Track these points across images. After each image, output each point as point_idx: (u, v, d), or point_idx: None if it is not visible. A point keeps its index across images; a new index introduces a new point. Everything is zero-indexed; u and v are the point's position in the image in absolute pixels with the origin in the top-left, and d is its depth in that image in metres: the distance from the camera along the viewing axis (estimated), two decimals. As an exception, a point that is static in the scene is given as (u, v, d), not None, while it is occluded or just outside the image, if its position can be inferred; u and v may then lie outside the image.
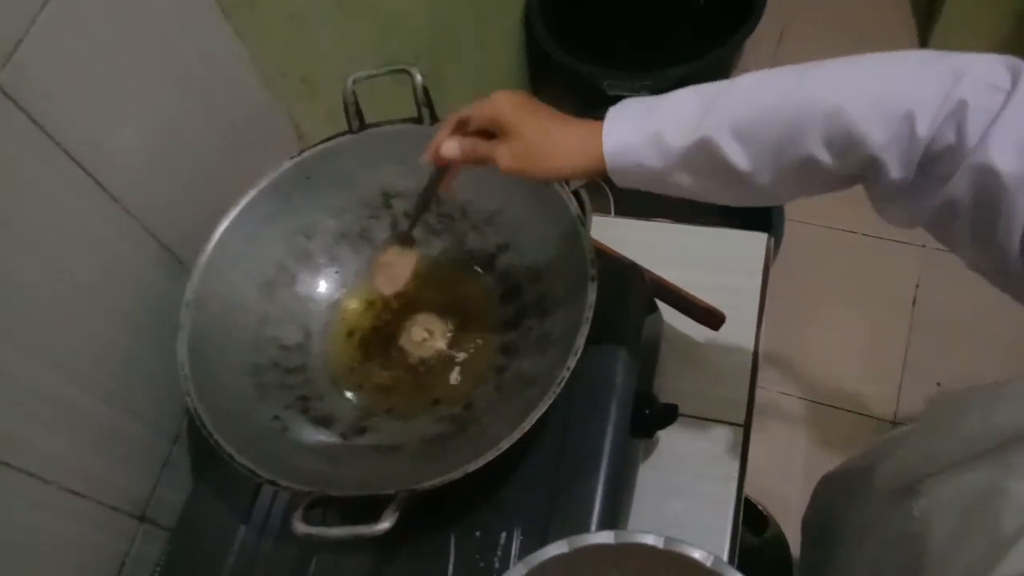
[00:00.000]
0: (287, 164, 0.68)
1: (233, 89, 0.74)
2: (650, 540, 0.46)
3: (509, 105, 0.52)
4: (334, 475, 0.56)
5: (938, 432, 0.52)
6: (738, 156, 0.47)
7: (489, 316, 0.67)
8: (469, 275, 0.69)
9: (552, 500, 0.58)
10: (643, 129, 0.50)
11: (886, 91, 0.44)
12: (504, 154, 0.52)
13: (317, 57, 0.89)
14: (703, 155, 0.48)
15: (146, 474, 0.68)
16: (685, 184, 0.50)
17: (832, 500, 0.75)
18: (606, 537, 0.46)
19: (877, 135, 0.44)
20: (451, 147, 0.54)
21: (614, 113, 0.51)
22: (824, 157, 0.46)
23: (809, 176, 0.48)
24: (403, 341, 0.67)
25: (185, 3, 0.66)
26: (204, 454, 0.70)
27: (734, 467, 0.70)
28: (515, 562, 0.50)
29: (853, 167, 0.46)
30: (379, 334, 0.68)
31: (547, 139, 0.51)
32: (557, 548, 0.46)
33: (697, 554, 0.45)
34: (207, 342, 0.62)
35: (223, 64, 0.72)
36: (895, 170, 0.44)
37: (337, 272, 0.71)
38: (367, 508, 0.50)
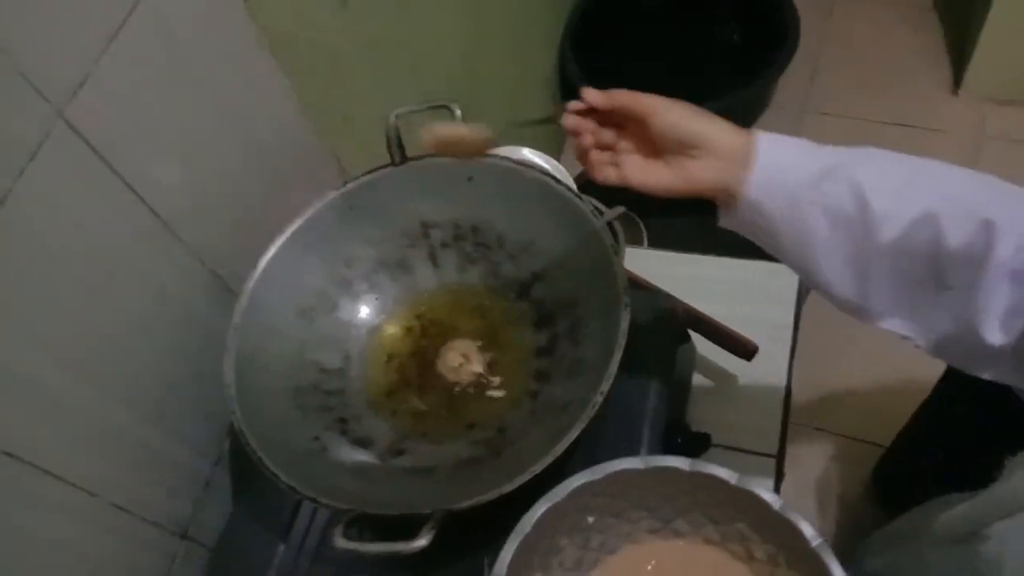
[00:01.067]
0: (331, 195, 0.70)
1: (277, 123, 0.77)
2: (723, 474, 0.51)
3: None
4: (371, 494, 0.58)
5: (1008, 480, 0.52)
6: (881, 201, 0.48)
7: (523, 343, 0.69)
8: (504, 302, 0.71)
9: (584, 525, 0.59)
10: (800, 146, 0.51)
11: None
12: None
13: (355, 93, 0.92)
14: (847, 189, 0.49)
15: (188, 493, 0.70)
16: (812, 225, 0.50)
17: (882, 554, 0.74)
18: (681, 463, 0.52)
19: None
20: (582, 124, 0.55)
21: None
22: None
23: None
24: (439, 366, 0.69)
25: (232, 42, 0.70)
26: (244, 475, 0.72)
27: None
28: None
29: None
30: (416, 359, 0.70)
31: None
32: (630, 463, 0.52)
33: (767, 496, 0.50)
34: (251, 364, 0.64)
35: (268, 98, 0.76)
36: None
37: (376, 299, 0.73)
38: (403, 527, 0.51)
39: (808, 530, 0.49)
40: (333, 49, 0.86)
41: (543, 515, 0.51)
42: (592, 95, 0.54)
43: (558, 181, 0.66)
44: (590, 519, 0.55)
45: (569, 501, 0.52)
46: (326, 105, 0.86)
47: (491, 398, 0.67)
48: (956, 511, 0.56)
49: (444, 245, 0.73)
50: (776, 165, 0.50)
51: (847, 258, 0.50)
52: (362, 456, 0.63)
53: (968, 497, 0.56)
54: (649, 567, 0.56)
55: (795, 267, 0.53)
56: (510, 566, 0.50)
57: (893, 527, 0.74)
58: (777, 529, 0.50)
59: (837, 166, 0.50)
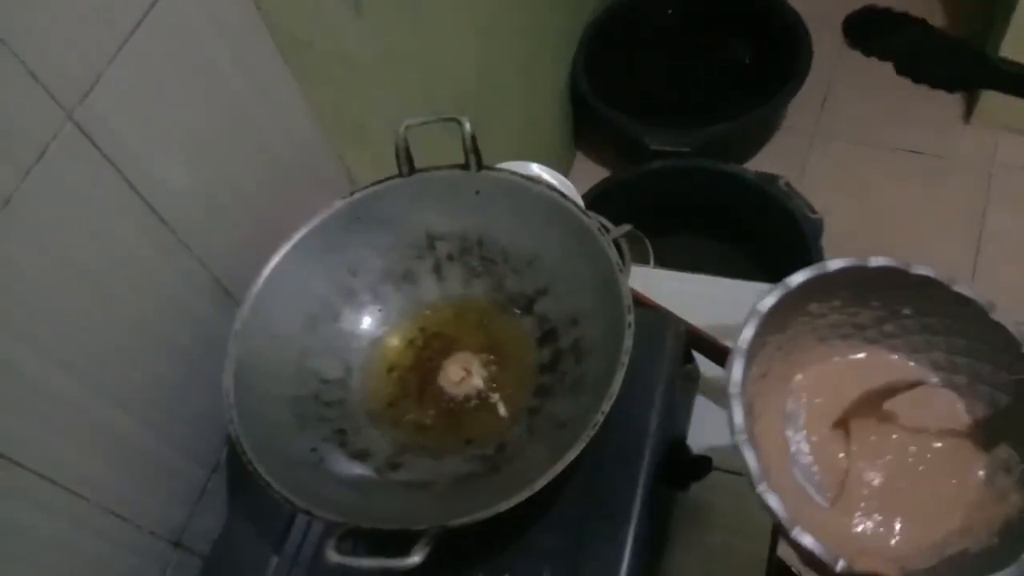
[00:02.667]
0: (339, 204, 0.70)
1: (288, 129, 0.77)
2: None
3: None
4: (367, 508, 0.57)
5: None
6: None
7: (525, 358, 0.68)
8: (508, 317, 0.71)
9: (581, 545, 0.58)
10: None
11: None
12: None
13: (368, 102, 0.92)
14: None
15: (184, 501, 0.70)
16: None
17: None
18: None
19: None
20: None
21: None
22: None
23: None
24: (441, 379, 0.68)
25: (245, 47, 0.70)
26: (241, 484, 0.72)
27: (767, 525, 0.69)
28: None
29: None
30: (418, 372, 0.70)
31: None
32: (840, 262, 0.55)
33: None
34: (251, 372, 0.63)
35: (279, 105, 0.76)
36: None
37: (380, 310, 0.72)
38: (398, 542, 0.50)
39: None
40: (347, 57, 0.87)
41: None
42: None
43: (565, 197, 0.66)
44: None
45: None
46: (338, 113, 0.86)
47: (491, 414, 0.66)
48: None
49: (450, 258, 0.73)
50: None
51: None
52: (359, 469, 0.63)
53: None
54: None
55: None
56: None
57: None
58: None
59: None
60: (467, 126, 0.67)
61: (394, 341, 0.72)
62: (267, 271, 0.67)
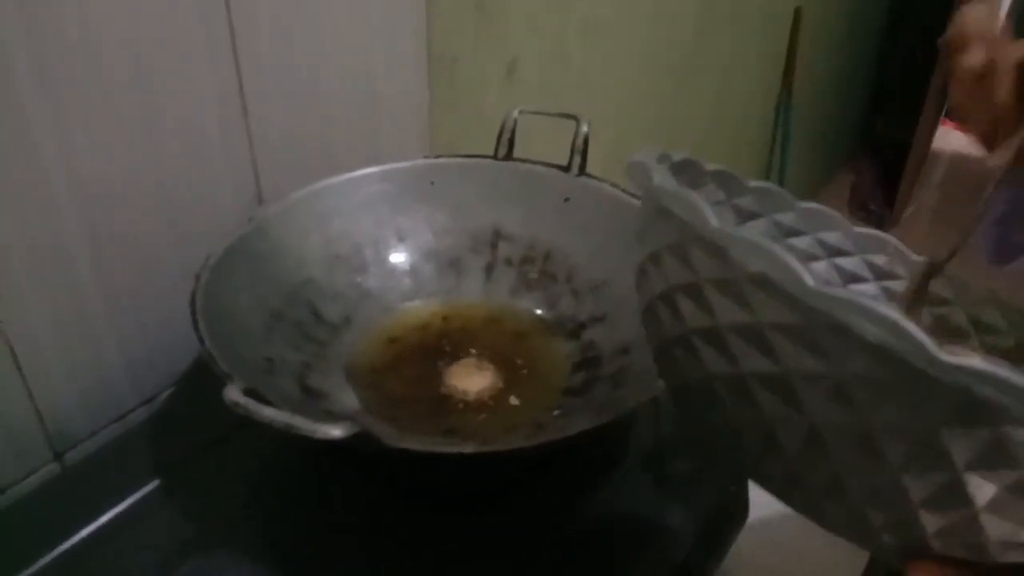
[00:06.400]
0: (419, 161, 0.64)
1: (398, 58, 0.71)
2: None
3: None
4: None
5: None
6: None
7: (552, 379, 0.55)
8: (549, 337, 0.59)
9: None
10: None
11: None
12: None
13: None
14: None
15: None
16: None
17: None
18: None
19: None
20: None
21: None
22: None
23: None
24: (445, 368, 0.56)
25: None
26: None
27: None
28: None
29: None
30: (422, 352, 0.58)
31: None
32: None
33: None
34: (245, 257, 0.54)
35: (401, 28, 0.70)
36: None
37: (411, 284, 0.62)
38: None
39: None
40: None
41: None
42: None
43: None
44: None
45: None
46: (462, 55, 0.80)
47: (489, 416, 0.53)
48: None
49: (508, 262, 0.63)
50: None
51: None
52: (303, 399, 0.50)
53: None
54: None
55: None
56: None
57: None
58: None
59: None
60: (584, 126, 0.62)
61: (408, 318, 0.61)
62: (320, 185, 0.60)
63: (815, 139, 2.19)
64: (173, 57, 0.53)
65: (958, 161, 2.59)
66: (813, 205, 0.40)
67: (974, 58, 0.33)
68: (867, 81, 2.52)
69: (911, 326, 0.22)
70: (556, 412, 0.52)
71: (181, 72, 0.53)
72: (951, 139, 2.74)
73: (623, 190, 0.60)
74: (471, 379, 0.55)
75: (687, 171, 0.37)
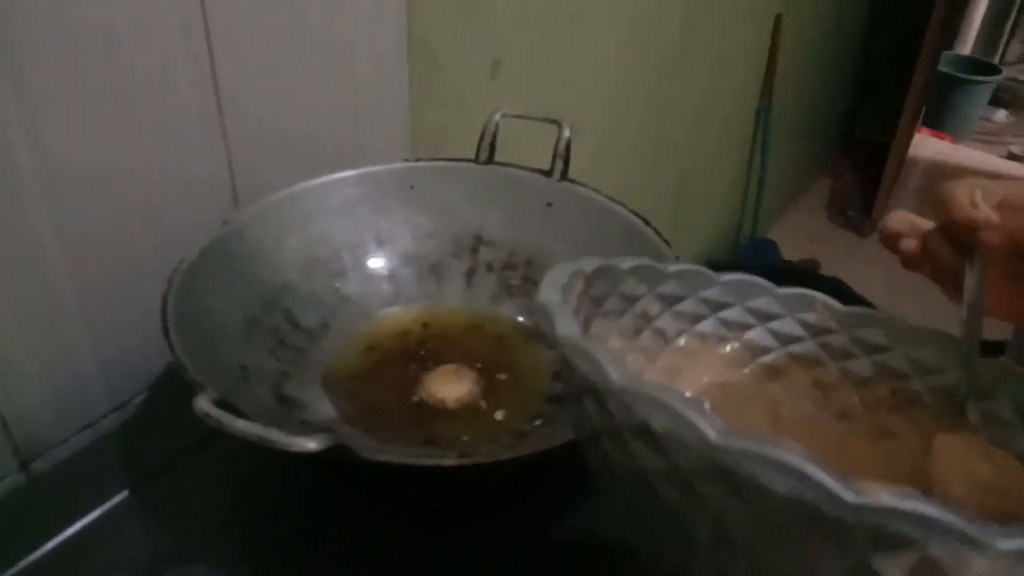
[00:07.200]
0: (399, 164, 0.63)
1: (380, 56, 0.70)
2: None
3: None
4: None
5: None
6: None
7: (534, 387, 0.55)
8: (526, 342, 0.58)
9: None
10: None
11: None
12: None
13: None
14: None
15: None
16: None
17: None
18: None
19: None
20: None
21: None
22: None
23: None
24: (425, 377, 0.55)
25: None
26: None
27: None
28: None
29: None
30: (401, 360, 0.57)
31: None
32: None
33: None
34: (220, 260, 0.52)
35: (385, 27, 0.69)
36: None
37: (390, 290, 0.61)
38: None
39: None
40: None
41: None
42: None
43: (650, 224, 0.57)
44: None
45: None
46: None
47: (469, 425, 0.52)
48: None
49: (489, 268, 0.62)
50: None
51: None
52: (279, 408, 0.49)
53: None
54: None
55: None
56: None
57: None
58: None
59: None
60: (566, 131, 0.61)
61: (388, 324, 0.60)
62: (299, 187, 0.59)
63: (795, 143, 2.20)
64: (146, 45, 0.51)
65: (934, 167, 2.62)
66: (735, 276, 0.41)
67: (909, 243, 0.39)
68: (847, 86, 2.54)
69: (818, 472, 0.21)
70: (538, 421, 0.52)
71: (155, 64, 0.52)
72: (928, 145, 2.77)
73: (606, 195, 0.60)
74: (451, 387, 0.54)
75: (603, 277, 0.36)
